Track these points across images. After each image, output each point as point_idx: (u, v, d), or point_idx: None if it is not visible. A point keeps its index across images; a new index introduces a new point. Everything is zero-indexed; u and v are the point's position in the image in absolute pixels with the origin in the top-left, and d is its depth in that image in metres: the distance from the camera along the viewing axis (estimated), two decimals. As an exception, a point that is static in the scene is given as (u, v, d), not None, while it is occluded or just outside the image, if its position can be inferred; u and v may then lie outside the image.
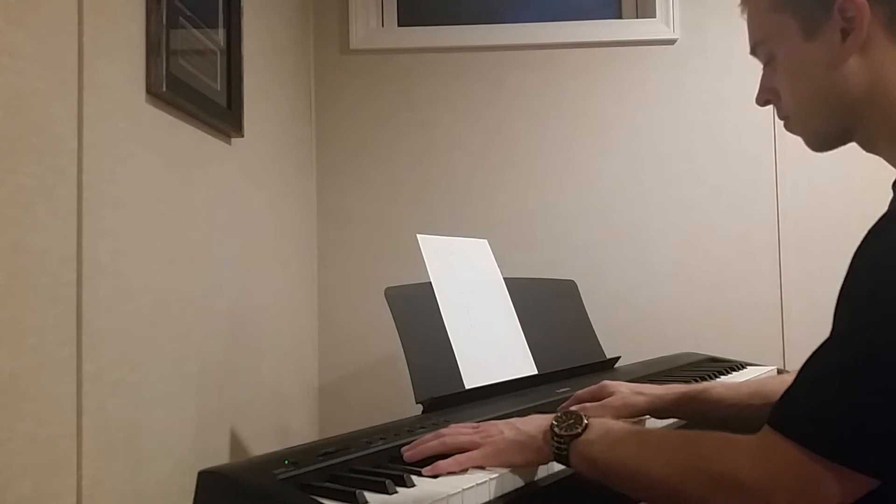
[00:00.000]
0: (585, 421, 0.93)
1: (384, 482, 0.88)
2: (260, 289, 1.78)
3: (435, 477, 0.94)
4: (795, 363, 0.80)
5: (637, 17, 2.38)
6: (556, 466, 0.99)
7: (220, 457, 1.53)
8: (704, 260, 2.24)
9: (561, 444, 0.93)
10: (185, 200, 1.41)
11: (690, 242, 2.25)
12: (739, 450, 0.79)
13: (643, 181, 2.26)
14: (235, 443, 1.59)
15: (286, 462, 0.92)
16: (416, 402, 1.31)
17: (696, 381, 1.59)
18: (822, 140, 0.94)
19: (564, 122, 2.27)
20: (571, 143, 2.27)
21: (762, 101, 0.98)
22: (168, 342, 1.32)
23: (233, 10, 1.62)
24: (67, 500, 1.04)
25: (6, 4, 0.95)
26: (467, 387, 1.36)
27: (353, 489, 0.85)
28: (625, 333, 2.17)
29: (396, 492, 0.88)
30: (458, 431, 1.02)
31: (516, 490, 0.97)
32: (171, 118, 1.37)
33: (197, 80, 1.44)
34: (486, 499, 0.92)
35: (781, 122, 0.97)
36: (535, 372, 1.56)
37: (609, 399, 1.21)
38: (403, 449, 1.01)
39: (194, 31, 1.44)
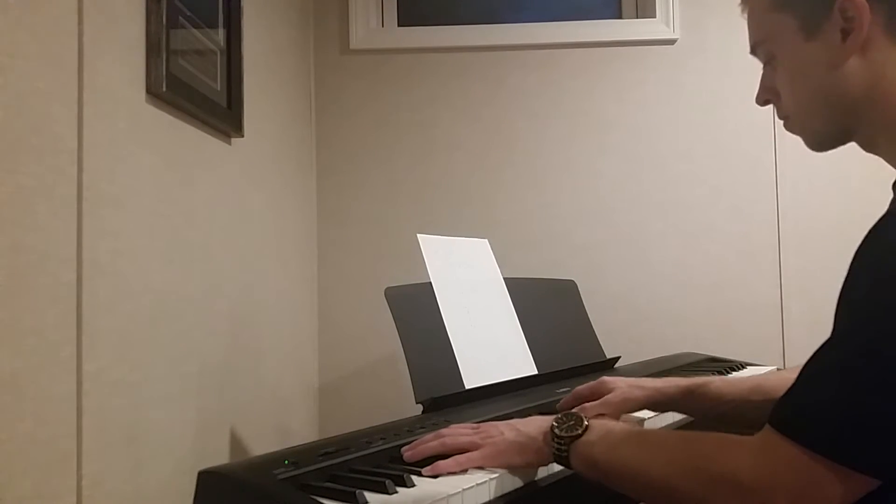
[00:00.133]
0: (585, 422, 0.93)
1: (384, 482, 0.88)
2: (260, 289, 1.78)
3: (435, 477, 0.94)
4: (795, 363, 0.80)
5: (637, 17, 2.38)
6: (556, 467, 0.99)
7: (220, 457, 1.53)
8: (704, 260, 2.24)
9: (561, 445, 0.93)
10: (185, 200, 1.41)
11: (690, 242, 2.25)
12: (740, 450, 0.79)
13: (643, 181, 2.26)
14: (235, 443, 1.59)
15: (286, 462, 0.92)
16: (416, 402, 1.31)
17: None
18: (821, 140, 0.94)
19: (564, 122, 2.27)
20: (571, 143, 2.27)
21: (762, 100, 0.98)
22: (168, 342, 1.32)
23: (233, 10, 1.62)
24: (67, 500, 1.04)
25: (6, 4, 0.95)
26: (467, 387, 1.36)
27: (353, 489, 0.85)
28: (625, 333, 2.17)
29: (396, 492, 0.88)
30: (458, 432, 1.02)
31: (516, 490, 0.97)
32: (171, 118, 1.37)
33: (197, 80, 1.44)
34: (486, 499, 0.93)
35: (781, 122, 0.97)
36: (535, 372, 1.56)
37: (608, 396, 1.21)
38: (403, 449, 1.01)
39: (194, 31, 1.44)
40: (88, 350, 1.08)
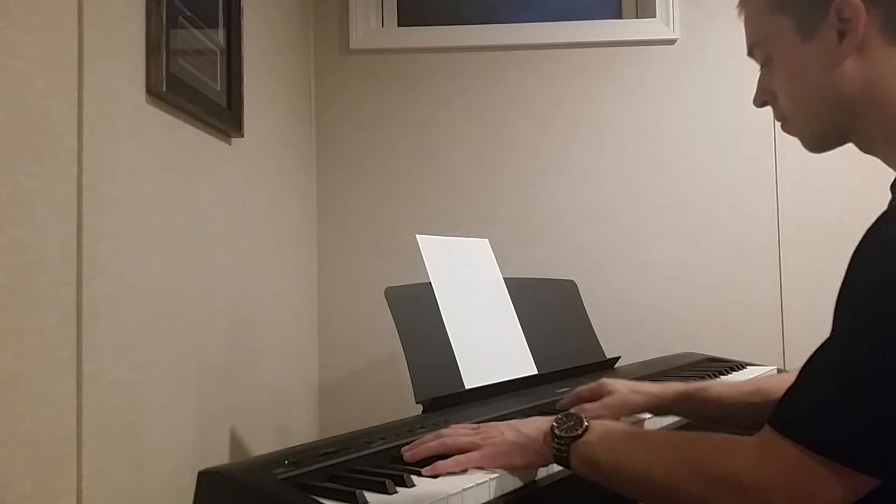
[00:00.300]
0: (585, 423, 0.93)
1: (384, 482, 0.88)
2: (260, 289, 1.78)
3: (435, 477, 0.94)
4: (795, 363, 0.80)
5: (637, 17, 2.38)
6: (556, 467, 0.99)
7: (220, 457, 1.53)
8: (704, 260, 2.24)
9: (561, 445, 0.93)
10: (185, 200, 1.41)
11: (690, 242, 2.25)
12: (740, 450, 0.79)
13: (643, 181, 2.26)
14: (235, 443, 1.59)
15: (286, 462, 0.92)
16: (416, 402, 1.31)
17: (696, 380, 1.58)
18: (819, 141, 0.94)
19: (564, 122, 2.27)
20: (571, 143, 2.27)
21: (759, 102, 0.98)
22: (168, 342, 1.32)
23: (233, 10, 1.62)
24: (67, 500, 1.04)
25: (6, 4, 0.95)
26: (467, 387, 1.37)
27: (353, 489, 0.85)
28: (625, 333, 2.17)
29: (396, 492, 0.88)
30: (458, 432, 1.02)
31: (516, 490, 0.97)
32: (171, 118, 1.37)
33: (197, 80, 1.44)
34: (486, 499, 0.93)
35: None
36: (535, 372, 1.56)
37: (607, 399, 1.21)
38: (403, 449, 1.01)
39: (194, 31, 1.44)
40: (88, 350, 1.08)
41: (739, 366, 1.87)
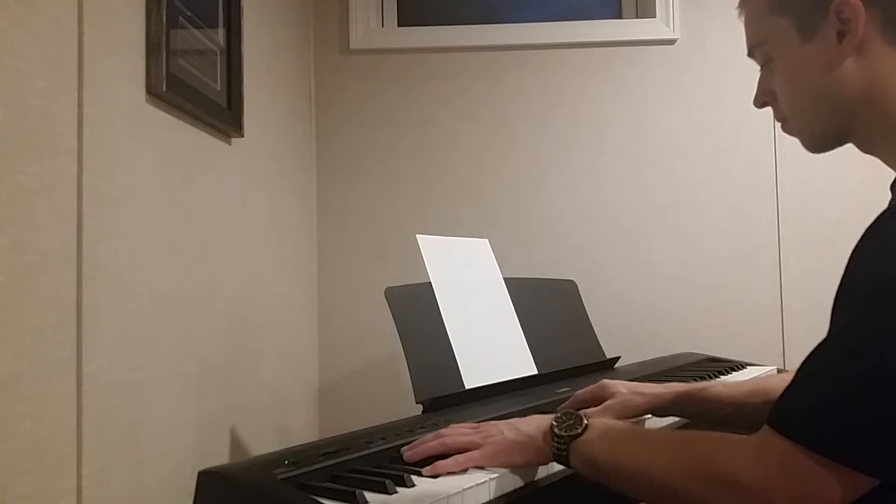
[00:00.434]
0: (585, 421, 0.93)
1: (384, 482, 0.88)
2: (260, 289, 1.78)
3: (435, 477, 0.94)
4: (795, 363, 0.80)
5: (637, 17, 2.38)
6: (556, 466, 0.99)
7: (220, 457, 1.53)
8: (704, 260, 2.24)
9: (561, 444, 0.93)
10: (185, 200, 1.41)
11: (690, 242, 2.25)
12: (739, 450, 0.79)
13: (643, 181, 2.26)
14: (235, 443, 1.59)
15: (286, 462, 0.92)
16: (416, 402, 1.31)
17: (696, 380, 1.59)
18: (819, 141, 0.94)
19: (564, 122, 2.27)
20: (571, 143, 2.27)
21: (760, 102, 0.98)
22: (168, 342, 1.32)
23: (233, 10, 1.62)
24: (67, 500, 1.04)
25: (6, 4, 0.95)
26: (467, 387, 1.37)
27: (353, 489, 0.85)
28: (625, 333, 2.17)
29: (396, 492, 0.88)
30: (458, 432, 1.02)
31: (516, 490, 0.97)
32: (171, 118, 1.37)
33: (197, 80, 1.44)
34: (486, 499, 0.93)
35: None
36: (535, 372, 1.56)
37: (609, 402, 1.21)
38: (403, 449, 1.01)
39: (194, 31, 1.44)
40: (88, 350, 1.08)
41: (739, 366, 1.87)
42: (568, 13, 2.38)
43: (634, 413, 1.21)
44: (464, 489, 0.89)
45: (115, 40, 1.19)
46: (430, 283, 1.41)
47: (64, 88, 1.06)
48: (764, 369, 1.86)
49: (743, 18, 0.96)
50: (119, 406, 1.16)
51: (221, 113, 1.55)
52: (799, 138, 0.95)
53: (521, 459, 0.98)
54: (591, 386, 1.26)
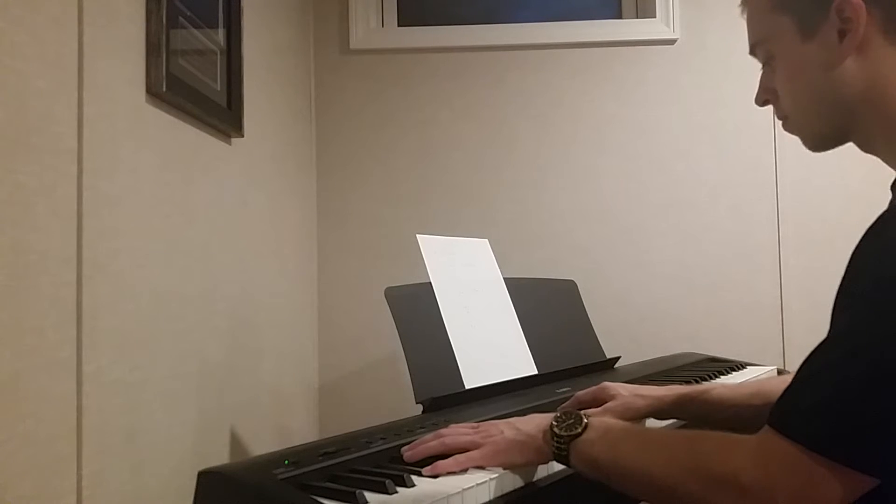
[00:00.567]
0: (585, 421, 0.93)
1: (384, 482, 0.88)
2: (260, 289, 1.78)
3: (435, 477, 0.94)
4: (795, 363, 0.80)
5: (637, 17, 2.38)
6: (556, 466, 0.99)
7: (220, 457, 1.53)
8: (704, 260, 2.24)
9: (561, 443, 0.93)
10: (185, 200, 1.41)
11: (690, 242, 2.25)
12: (739, 450, 0.79)
13: (643, 181, 2.26)
14: (235, 443, 1.59)
15: (286, 462, 0.92)
16: (416, 402, 1.31)
17: (696, 381, 1.59)
18: (819, 140, 0.94)
19: (564, 122, 2.27)
20: (571, 143, 2.27)
21: (761, 101, 0.98)
22: (168, 342, 1.32)
23: (233, 10, 1.62)
24: (67, 500, 1.04)
25: (6, 4, 0.95)
26: (467, 387, 1.37)
27: (353, 489, 0.85)
28: (625, 333, 2.17)
29: (396, 492, 0.88)
30: (458, 431, 1.02)
31: (516, 490, 0.97)
32: (171, 118, 1.37)
33: (197, 80, 1.44)
34: (486, 499, 0.92)
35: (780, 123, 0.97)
36: (535, 372, 1.56)
37: (609, 404, 1.21)
38: (403, 449, 1.01)
39: (194, 31, 1.44)
40: (88, 350, 1.08)
41: (739, 366, 1.87)
42: (568, 13, 2.38)
43: (635, 416, 1.20)
44: (464, 489, 0.89)
45: (115, 40, 1.19)
46: (430, 283, 1.41)
47: (64, 88, 1.06)
48: (764, 369, 1.86)
49: (745, 16, 0.96)
50: (119, 406, 1.16)
51: (221, 113, 1.55)
52: (800, 137, 0.95)
53: (521, 459, 0.97)
54: (592, 388, 1.26)
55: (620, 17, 2.42)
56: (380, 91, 2.29)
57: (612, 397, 1.22)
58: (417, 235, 1.45)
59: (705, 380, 1.61)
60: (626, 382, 1.29)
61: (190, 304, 1.41)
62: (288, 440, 1.89)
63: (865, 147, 0.91)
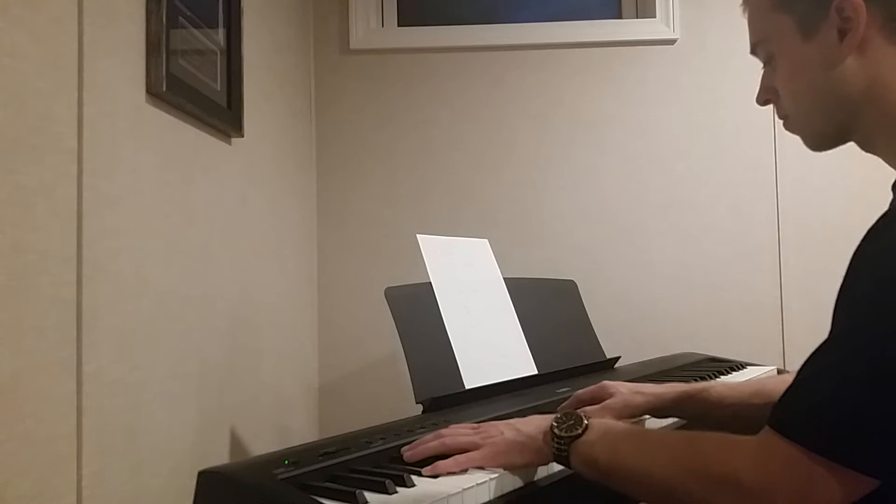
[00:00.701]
0: (585, 422, 0.93)
1: (384, 482, 0.88)
2: (260, 289, 1.78)
3: (435, 477, 0.94)
4: (795, 363, 0.80)
5: (637, 17, 2.38)
6: (556, 466, 0.99)
7: (220, 457, 1.53)
8: (704, 260, 2.24)
9: (561, 444, 0.93)
10: (185, 200, 1.41)
11: (690, 242, 2.25)
12: (740, 450, 0.79)
13: (643, 181, 2.26)
14: (235, 443, 1.59)
15: (286, 462, 0.92)
16: (416, 402, 1.31)
17: (696, 381, 1.59)
18: (820, 140, 0.94)
19: (564, 122, 2.27)
20: (571, 143, 2.27)
21: (762, 100, 0.98)
22: (168, 342, 1.32)
23: (233, 10, 1.62)
24: (67, 500, 1.04)
25: (6, 4, 0.95)
26: (467, 387, 1.37)
27: (353, 489, 0.85)
28: (625, 333, 2.17)
29: (396, 492, 0.88)
30: (458, 432, 1.02)
31: (516, 490, 0.97)
32: (171, 118, 1.37)
33: (197, 80, 1.44)
34: (486, 499, 0.92)
35: (781, 122, 0.97)
36: (535, 372, 1.56)
37: (609, 401, 1.21)
38: (403, 449, 1.01)
39: (194, 31, 1.44)
40: (88, 350, 1.08)
41: (739, 366, 1.87)
42: (568, 13, 2.38)
43: (634, 412, 1.20)
44: (464, 489, 0.89)
45: (115, 40, 1.19)
46: (430, 283, 1.41)
47: (64, 88, 1.06)
48: (764, 369, 1.86)
49: (746, 16, 0.96)
50: (119, 406, 1.16)
51: (221, 113, 1.55)
52: (800, 136, 0.95)
53: (521, 460, 0.97)
54: (592, 386, 1.26)
55: (620, 17, 2.42)
56: (380, 91, 2.29)
57: (612, 395, 1.22)
58: (417, 235, 1.45)
59: (705, 380, 1.61)
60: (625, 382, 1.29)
61: (190, 304, 1.41)
62: (288, 440, 1.89)
63: (866, 146, 0.91)
